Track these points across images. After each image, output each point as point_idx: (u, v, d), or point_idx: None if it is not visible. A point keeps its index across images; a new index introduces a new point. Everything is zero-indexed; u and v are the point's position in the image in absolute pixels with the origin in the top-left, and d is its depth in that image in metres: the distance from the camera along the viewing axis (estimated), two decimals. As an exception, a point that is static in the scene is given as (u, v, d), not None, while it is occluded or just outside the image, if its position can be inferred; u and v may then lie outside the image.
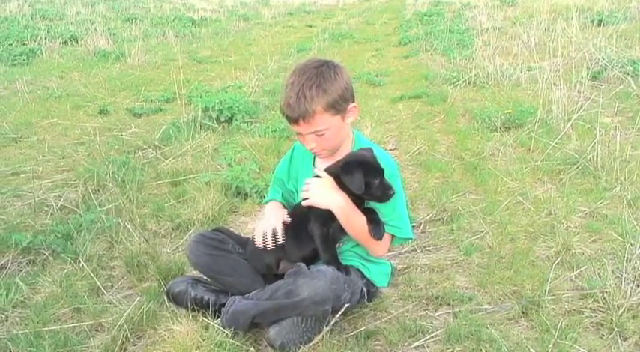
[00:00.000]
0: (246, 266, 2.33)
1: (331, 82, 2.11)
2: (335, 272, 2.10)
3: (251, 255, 2.34)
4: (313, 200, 2.18)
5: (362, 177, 2.11)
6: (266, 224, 2.29)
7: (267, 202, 2.52)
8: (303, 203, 2.21)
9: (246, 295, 2.19)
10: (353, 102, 2.20)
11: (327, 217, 2.19)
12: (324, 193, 2.17)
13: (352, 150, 2.27)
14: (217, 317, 2.20)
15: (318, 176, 2.24)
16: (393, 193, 2.14)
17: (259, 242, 2.26)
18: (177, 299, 2.33)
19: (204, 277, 2.38)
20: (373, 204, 2.22)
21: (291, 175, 2.46)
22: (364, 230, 2.18)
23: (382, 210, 2.21)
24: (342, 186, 2.16)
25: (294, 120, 2.13)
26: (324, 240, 2.22)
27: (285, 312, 2.07)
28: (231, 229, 2.71)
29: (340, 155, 2.23)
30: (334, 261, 2.20)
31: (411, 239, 2.55)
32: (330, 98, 2.09)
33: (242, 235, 2.56)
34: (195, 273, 2.47)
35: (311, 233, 2.23)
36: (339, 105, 2.13)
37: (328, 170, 2.21)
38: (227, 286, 2.32)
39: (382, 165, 2.17)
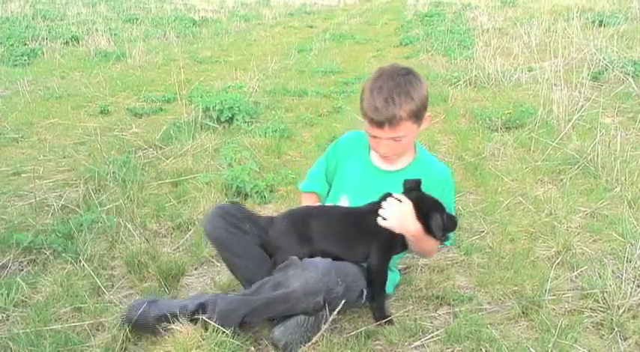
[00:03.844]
0: (257, 252, 2.27)
1: (417, 90, 2.15)
2: (327, 264, 2.07)
3: (274, 239, 2.26)
4: (391, 223, 2.19)
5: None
6: None
7: (305, 190, 2.56)
8: (381, 223, 2.20)
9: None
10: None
11: (392, 248, 2.25)
12: (403, 220, 2.19)
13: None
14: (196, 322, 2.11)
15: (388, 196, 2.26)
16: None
17: None
18: (140, 324, 2.14)
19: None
20: None
21: (329, 167, 2.52)
22: (431, 248, 2.32)
23: None
24: (418, 215, 2.19)
25: (378, 124, 2.15)
26: (383, 278, 2.26)
27: (275, 306, 2.05)
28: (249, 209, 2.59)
29: (402, 160, 2.34)
30: (383, 306, 2.28)
31: (449, 244, 2.56)
32: (414, 106, 2.14)
33: (260, 215, 2.49)
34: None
35: (370, 263, 2.25)
36: (420, 113, 2.18)
37: (407, 191, 2.24)
38: (232, 267, 2.31)
39: (443, 182, 2.34)
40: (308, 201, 2.53)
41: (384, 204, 2.22)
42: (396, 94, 2.11)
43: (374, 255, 2.23)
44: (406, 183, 2.25)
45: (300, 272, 2.02)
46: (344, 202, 2.41)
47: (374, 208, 2.24)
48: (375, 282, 2.25)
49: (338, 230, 2.26)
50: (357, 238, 2.25)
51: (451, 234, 2.35)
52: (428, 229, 2.19)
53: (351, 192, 2.40)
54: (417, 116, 2.17)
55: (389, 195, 2.24)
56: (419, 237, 2.21)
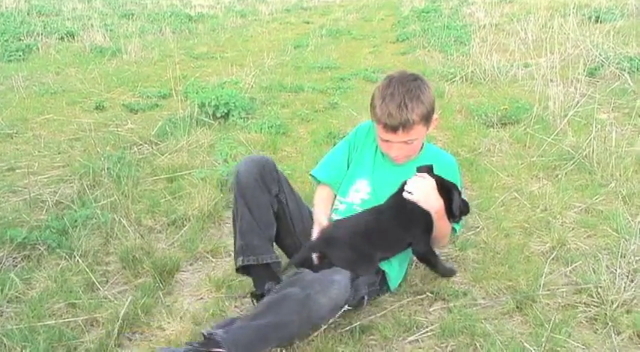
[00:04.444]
0: (267, 216, 2.29)
1: (426, 94, 2.27)
2: (346, 279, 2.04)
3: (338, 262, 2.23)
4: (417, 197, 2.24)
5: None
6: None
7: (323, 181, 2.57)
8: (407, 197, 2.25)
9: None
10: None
11: (431, 230, 2.29)
12: (428, 194, 2.26)
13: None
14: None
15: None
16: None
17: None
18: None
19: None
20: None
21: (351, 150, 2.57)
22: (447, 231, 2.37)
23: None
24: (440, 193, 2.27)
25: (392, 129, 2.25)
26: (434, 257, 2.40)
27: (303, 328, 2.00)
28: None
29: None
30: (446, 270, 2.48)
31: (457, 233, 2.61)
32: (425, 110, 2.25)
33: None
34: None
35: (418, 251, 2.34)
36: (430, 116, 2.30)
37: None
38: (238, 216, 2.28)
39: (450, 167, 2.44)
40: (323, 192, 2.54)
41: (409, 180, 2.28)
42: (408, 100, 2.21)
43: (419, 243, 2.31)
44: (419, 168, 2.32)
45: (325, 290, 1.98)
46: (363, 186, 2.48)
47: (398, 199, 2.29)
48: (429, 263, 2.42)
49: (384, 234, 2.26)
50: (399, 233, 2.28)
51: (460, 223, 2.45)
52: (447, 208, 2.28)
53: (370, 177, 2.48)
54: (427, 119, 2.29)
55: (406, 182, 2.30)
56: (440, 215, 2.28)
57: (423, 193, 2.24)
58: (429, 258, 2.39)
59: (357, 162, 2.53)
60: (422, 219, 2.26)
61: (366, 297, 2.23)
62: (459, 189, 2.33)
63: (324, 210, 2.45)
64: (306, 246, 2.28)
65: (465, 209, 2.35)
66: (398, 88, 2.24)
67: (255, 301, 2.27)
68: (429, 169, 2.31)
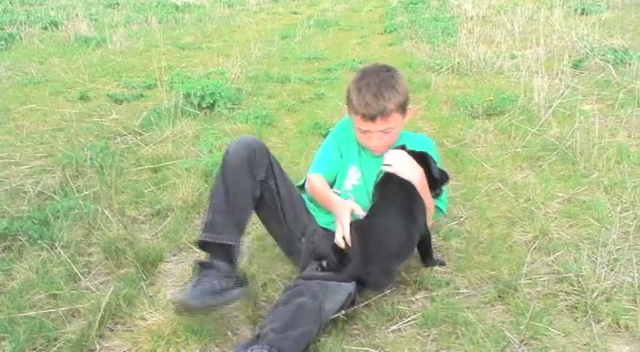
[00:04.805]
0: (245, 201, 2.28)
1: (400, 84, 2.35)
2: (351, 287, 2.12)
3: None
4: (399, 168, 2.30)
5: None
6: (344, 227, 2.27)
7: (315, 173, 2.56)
8: (386, 169, 2.30)
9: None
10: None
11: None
12: (406, 164, 2.33)
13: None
14: None
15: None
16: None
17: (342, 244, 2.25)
18: None
19: None
20: None
21: (340, 144, 2.59)
22: (430, 205, 2.41)
23: None
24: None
25: (371, 118, 2.30)
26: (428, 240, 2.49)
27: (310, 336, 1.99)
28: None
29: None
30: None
31: (444, 213, 2.64)
32: (401, 98, 2.32)
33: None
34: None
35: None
36: (405, 105, 2.37)
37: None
38: (215, 191, 2.27)
39: (427, 145, 2.52)
40: (317, 181, 2.50)
41: (385, 155, 2.35)
42: (384, 89, 2.28)
43: (417, 225, 2.32)
44: (397, 147, 2.38)
45: (331, 297, 2.04)
46: (353, 172, 2.53)
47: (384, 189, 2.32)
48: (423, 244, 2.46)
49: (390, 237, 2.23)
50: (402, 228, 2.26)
51: (444, 201, 2.53)
52: (427, 177, 2.34)
53: (358, 164, 2.53)
54: (403, 108, 2.36)
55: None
56: (422, 184, 2.33)
57: (402, 164, 2.31)
58: (423, 240, 2.42)
59: (345, 154, 2.56)
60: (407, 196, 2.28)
61: (357, 298, 2.24)
62: (432, 157, 2.38)
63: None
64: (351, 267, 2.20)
65: (443, 176, 2.40)
66: (373, 78, 2.32)
67: (196, 270, 2.23)
68: (402, 147, 2.37)
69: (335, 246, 2.26)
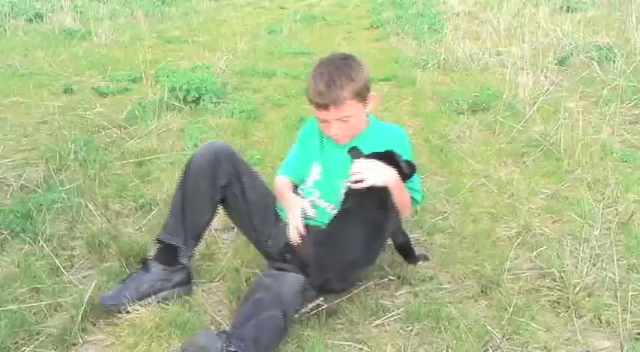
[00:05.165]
0: (204, 206, 2.36)
1: (356, 71, 2.31)
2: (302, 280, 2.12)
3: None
4: (372, 180, 2.23)
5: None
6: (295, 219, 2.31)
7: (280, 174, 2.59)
8: (358, 185, 2.23)
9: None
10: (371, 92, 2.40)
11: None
12: (379, 171, 2.26)
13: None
14: None
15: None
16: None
17: (295, 240, 2.27)
18: None
19: None
20: None
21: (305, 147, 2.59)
22: (407, 200, 2.40)
23: None
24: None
25: (324, 107, 2.28)
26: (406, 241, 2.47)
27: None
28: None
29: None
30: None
31: (420, 202, 2.63)
32: (357, 86, 2.28)
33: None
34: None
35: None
36: (363, 92, 2.33)
37: (357, 155, 2.33)
38: (172, 198, 2.37)
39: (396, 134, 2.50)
40: (280, 182, 2.54)
41: (351, 169, 2.26)
42: (336, 77, 2.25)
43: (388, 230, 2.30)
44: (350, 150, 2.33)
45: (281, 282, 2.07)
46: (316, 168, 2.50)
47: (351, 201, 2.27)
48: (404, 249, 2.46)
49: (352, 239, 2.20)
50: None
51: (419, 189, 2.51)
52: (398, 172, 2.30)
53: (319, 159, 2.51)
54: (361, 95, 2.31)
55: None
56: (399, 184, 2.30)
57: (374, 172, 2.24)
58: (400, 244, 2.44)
59: (308, 152, 2.55)
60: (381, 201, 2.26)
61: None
62: (397, 153, 2.34)
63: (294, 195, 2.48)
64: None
65: (412, 168, 2.36)
66: (327, 66, 2.31)
67: (144, 264, 2.34)
68: (357, 151, 2.32)
69: (287, 243, 2.30)
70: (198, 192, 2.33)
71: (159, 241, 2.36)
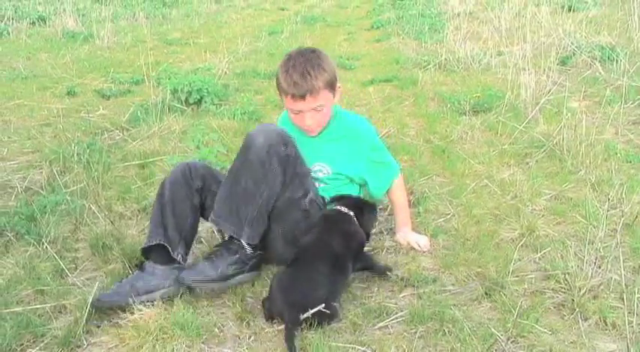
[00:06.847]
0: (184, 221, 2.42)
1: (326, 62, 2.44)
2: None
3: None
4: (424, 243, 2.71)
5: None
6: None
7: None
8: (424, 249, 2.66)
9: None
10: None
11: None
12: (418, 237, 2.74)
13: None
14: None
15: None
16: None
17: None
18: None
19: None
20: (368, 169, 2.67)
21: None
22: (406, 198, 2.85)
23: (375, 161, 2.68)
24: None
25: (300, 97, 2.39)
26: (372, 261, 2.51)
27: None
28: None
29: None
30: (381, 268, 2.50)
31: (398, 172, 2.81)
32: (328, 76, 2.41)
33: None
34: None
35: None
36: (333, 83, 2.46)
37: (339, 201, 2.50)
38: (152, 214, 2.44)
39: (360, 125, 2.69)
40: None
41: (411, 243, 2.70)
42: (309, 67, 2.37)
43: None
44: (332, 199, 2.52)
45: (250, 144, 2.37)
46: None
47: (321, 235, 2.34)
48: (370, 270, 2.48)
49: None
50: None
51: (391, 164, 2.75)
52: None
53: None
54: (332, 85, 2.46)
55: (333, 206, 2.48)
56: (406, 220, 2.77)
57: (414, 238, 2.69)
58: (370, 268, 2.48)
59: None
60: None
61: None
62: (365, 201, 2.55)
63: None
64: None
65: (373, 211, 2.55)
66: (298, 59, 2.41)
67: (139, 268, 2.38)
68: (339, 196, 2.52)
69: None
70: (177, 200, 2.40)
71: (144, 250, 2.41)
